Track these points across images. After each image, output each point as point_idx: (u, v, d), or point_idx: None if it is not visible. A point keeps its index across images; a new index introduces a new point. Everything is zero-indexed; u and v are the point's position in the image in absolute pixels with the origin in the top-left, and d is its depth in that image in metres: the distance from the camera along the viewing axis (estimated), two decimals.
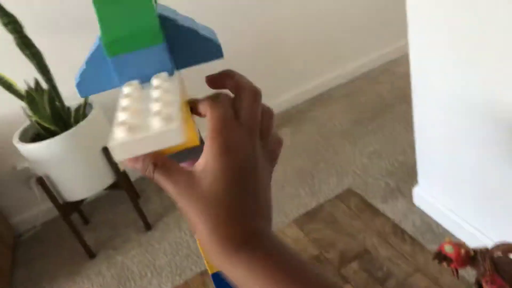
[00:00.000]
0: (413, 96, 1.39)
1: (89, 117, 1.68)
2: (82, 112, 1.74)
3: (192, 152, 0.34)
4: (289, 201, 1.82)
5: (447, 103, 1.25)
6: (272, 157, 0.35)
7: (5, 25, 1.51)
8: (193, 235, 0.30)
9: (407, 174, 1.76)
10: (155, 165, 0.31)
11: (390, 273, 0.70)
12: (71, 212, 1.83)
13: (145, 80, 0.31)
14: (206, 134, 0.31)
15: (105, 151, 1.71)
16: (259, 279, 0.29)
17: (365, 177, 1.83)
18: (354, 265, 0.73)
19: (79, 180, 1.73)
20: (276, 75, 2.37)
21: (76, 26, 1.89)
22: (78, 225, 1.93)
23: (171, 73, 0.31)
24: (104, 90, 0.32)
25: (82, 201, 1.86)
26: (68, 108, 1.74)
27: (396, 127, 2.08)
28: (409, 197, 1.64)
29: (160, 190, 2.15)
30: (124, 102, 0.30)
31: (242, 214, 0.31)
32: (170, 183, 0.31)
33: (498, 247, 0.55)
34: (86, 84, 0.32)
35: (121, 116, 0.29)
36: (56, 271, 1.85)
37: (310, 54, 2.46)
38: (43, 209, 2.08)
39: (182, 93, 0.34)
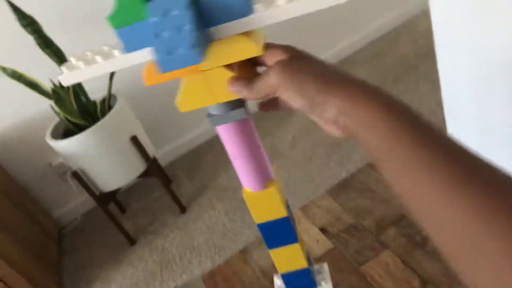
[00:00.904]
0: (437, 51, 1.35)
1: (115, 108, 1.71)
2: (107, 104, 1.77)
3: (240, 113, 0.41)
4: (318, 172, 1.82)
5: (473, 53, 1.20)
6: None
7: (25, 26, 1.54)
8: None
9: None
10: (245, 82, 0.39)
11: (428, 236, 0.70)
12: (108, 202, 1.90)
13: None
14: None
15: (134, 140, 1.75)
16: (387, 118, 0.33)
17: None
18: (392, 230, 0.73)
19: (112, 170, 1.77)
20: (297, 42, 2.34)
21: (92, 20, 1.91)
22: (116, 214, 2.00)
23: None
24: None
25: (117, 190, 1.92)
26: (94, 102, 1.77)
27: (422, 86, 2.03)
28: None
29: (190, 173, 2.18)
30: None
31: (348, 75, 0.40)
32: (262, 77, 0.38)
33: None
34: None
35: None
36: (100, 259, 1.93)
37: (327, 21, 2.41)
38: (81, 201, 2.16)
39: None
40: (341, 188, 0.85)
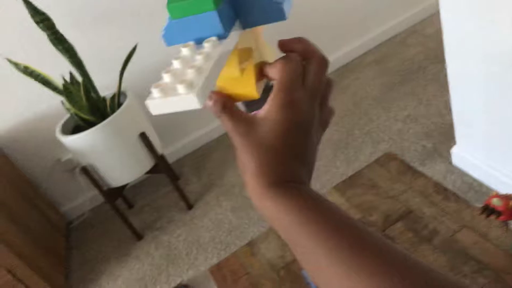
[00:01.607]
0: (446, 53, 1.35)
1: (124, 105, 1.74)
2: (117, 101, 1.79)
3: (262, 104, 0.38)
4: (324, 172, 1.83)
5: (483, 55, 1.21)
6: (324, 125, 0.39)
7: (38, 23, 1.56)
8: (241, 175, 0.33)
9: (444, 136, 1.73)
10: (224, 108, 0.35)
11: (436, 230, 0.71)
12: (116, 197, 1.92)
13: (200, 42, 0.35)
14: (274, 87, 0.35)
15: (143, 136, 1.77)
16: (290, 213, 0.31)
17: (401, 142, 1.81)
18: (399, 225, 0.74)
19: (120, 166, 1.80)
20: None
21: (104, 18, 1.93)
22: (123, 210, 2.02)
23: (222, 38, 0.34)
24: (177, 43, 0.36)
25: (125, 186, 1.94)
26: (104, 98, 1.79)
27: (429, 89, 2.04)
28: (447, 158, 1.62)
29: (197, 171, 2.20)
30: (174, 63, 0.34)
31: (289, 162, 0.34)
32: (232, 124, 0.34)
33: None
34: (167, 37, 0.36)
35: (164, 76, 0.34)
36: (107, 253, 1.95)
37: (336, 22, 2.42)
38: (89, 196, 2.18)
39: (249, 50, 0.38)
40: (347, 185, 0.86)
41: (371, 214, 0.79)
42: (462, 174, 1.54)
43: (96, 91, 1.77)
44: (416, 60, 2.29)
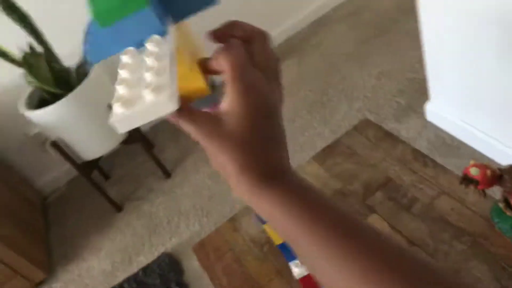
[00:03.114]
0: (420, 6, 1.33)
1: (91, 75, 1.66)
2: (82, 70, 1.70)
3: (211, 99, 0.35)
4: (302, 133, 1.83)
5: (458, 10, 1.19)
6: (281, 99, 0.36)
7: None
8: (220, 176, 0.31)
9: (418, 91, 1.74)
10: (179, 111, 0.31)
11: (415, 198, 0.71)
12: (91, 170, 1.87)
13: (141, 44, 0.31)
14: (225, 80, 0.32)
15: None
16: (285, 213, 0.30)
17: (376, 99, 1.81)
18: (379, 194, 0.74)
19: (92, 139, 1.74)
20: (272, 3, 2.27)
21: None
22: (100, 182, 1.99)
23: (163, 35, 0.31)
24: (111, 54, 0.32)
25: (99, 158, 1.89)
26: (68, 69, 1.70)
27: (403, 43, 2.02)
28: (421, 114, 1.64)
29: (173, 138, 2.17)
30: (121, 73, 0.31)
31: (268, 152, 0.32)
32: (195, 126, 0.32)
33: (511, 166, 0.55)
34: (93, 51, 0.32)
35: (119, 89, 0.30)
36: (87, 227, 1.94)
37: None
38: (63, 170, 2.13)
39: (186, 46, 0.35)
40: (327, 154, 0.85)
41: (351, 183, 0.79)
42: (436, 129, 1.56)
43: (58, 62, 1.67)
44: (390, 13, 2.25)
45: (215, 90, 0.38)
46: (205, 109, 0.40)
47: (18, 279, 1.68)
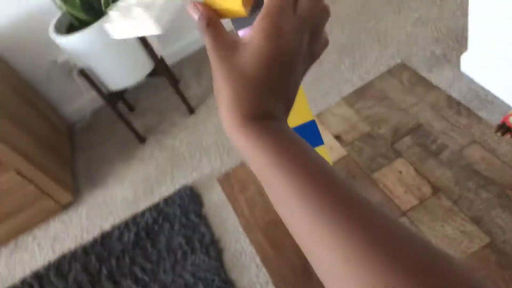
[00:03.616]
0: None
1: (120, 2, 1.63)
2: None
3: (248, 22, 0.35)
4: (329, 77, 1.79)
5: None
6: (314, 57, 0.35)
7: None
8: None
9: (455, 41, 1.66)
10: (209, 24, 0.32)
11: (444, 145, 0.70)
12: (117, 101, 1.90)
13: None
14: (262, 10, 0.31)
15: (141, 38, 1.69)
16: (264, 154, 0.30)
17: (409, 47, 1.74)
18: (407, 139, 0.73)
19: (119, 69, 1.75)
20: None
21: None
22: (125, 113, 2.02)
23: None
24: None
25: (125, 90, 1.91)
26: None
27: None
28: (456, 65, 1.57)
29: (198, 74, 2.16)
30: None
31: (267, 93, 0.32)
32: (213, 44, 0.32)
33: None
34: None
35: (121, 2, 0.29)
36: (112, 155, 1.99)
37: None
38: (89, 99, 2.16)
39: None
40: (358, 95, 0.84)
41: (380, 126, 0.78)
42: (470, 82, 1.51)
43: None
44: None
45: (254, 14, 0.37)
46: (241, 31, 0.39)
47: (47, 200, 1.77)
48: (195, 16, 0.33)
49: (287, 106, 0.34)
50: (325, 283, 0.27)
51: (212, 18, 0.33)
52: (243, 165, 0.84)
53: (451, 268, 0.23)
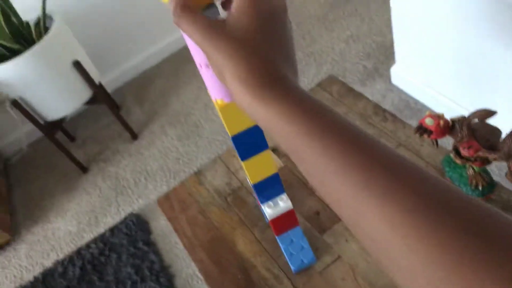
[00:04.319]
0: None
1: (52, 30, 1.59)
2: (43, 25, 1.63)
3: (213, 12, 0.35)
4: None
5: None
6: (285, 8, 0.34)
7: None
8: (219, 79, 0.32)
9: (385, 55, 1.77)
10: (184, 6, 0.30)
11: None
12: (55, 131, 1.83)
13: None
14: None
15: (76, 65, 1.65)
16: (292, 122, 0.27)
17: (343, 62, 1.83)
18: None
19: (55, 97, 1.69)
20: None
21: None
22: (65, 143, 1.94)
23: None
24: None
25: (63, 119, 1.84)
26: (27, 23, 1.62)
27: (372, 6, 2.03)
28: (387, 77, 1.67)
29: (139, 100, 2.13)
30: None
31: (274, 55, 0.30)
32: (198, 25, 0.30)
33: (475, 113, 0.58)
34: None
35: None
36: (53, 188, 1.90)
37: None
38: (25, 131, 2.06)
39: None
40: None
41: None
42: (400, 93, 1.60)
43: (17, 15, 1.59)
44: None
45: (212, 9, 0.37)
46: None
47: None
48: (171, 7, 0.31)
49: (294, 67, 0.31)
50: (373, 253, 0.25)
51: (187, 4, 0.30)
52: (183, 185, 0.84)
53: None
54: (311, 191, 0.72)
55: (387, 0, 1.43)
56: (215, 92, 0.44)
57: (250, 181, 0.55)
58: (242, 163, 0.52)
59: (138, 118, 2.04)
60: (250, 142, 0.49)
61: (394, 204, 0.23)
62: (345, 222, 0.27)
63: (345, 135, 0.26)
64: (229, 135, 0.48)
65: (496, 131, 0.58)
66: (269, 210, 0.58)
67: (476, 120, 0.58)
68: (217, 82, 0.40)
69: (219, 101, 0.45)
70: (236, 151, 0.51)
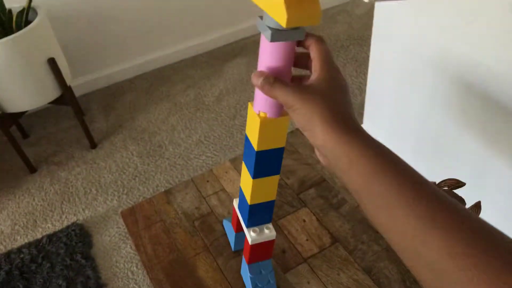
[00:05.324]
0: (373, 37, 1.43)
1: (34, 23, 1.55)
2: (25, 17, 1.59)
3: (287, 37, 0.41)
4: (241, 131, 1.86)
5: (405, 49, 1.30)
6: None
7: None
8: (303, 133, 0.36)
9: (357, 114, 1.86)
10: (274, 80, 0.40)
11: (344, 200, 0.77)
12: (10, 124, 1.74)
13: None
14: (315, 60, 0.41)
15: (51, 62, 1.61)
16: (369, 162, 0.34)
17: None
18: (312, 191, 0.79)
19: (21, 90, 1.62)
20: (233, 4, 2.30)
21: None
22: (17, 138, 1.85)
23: None
24: None
25: (22, 113, 1.76)
26: (10, 11, 1.58)
27: (347, 68, 2.15)
28: None
29: (105, 110, 2.08)
30: None
31: (350, 111, 0.38)
32: (289, 88, 0.39)
33: (445, 181, 0.62)
34: None
35: None
36: None
37: None
38: None
39: None
40: None
41: (288, 177, 0.83)
42: None
43: (1, 1, 1.55)
44: (341, 39, 2.38)
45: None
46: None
47: None
48: (260, 79, 0.40)
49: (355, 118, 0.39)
50: (431, 284, 0.29)
51: (273, 75, 0.41)
52: (150, 201, 0.82)
53: None
54: (279, 228, 0.73)
55: (362, 65, 1.52)
56: (262, 105, 0.47)
57: (248, 201, 0.56)
58: (251, 181, 0.53)
59: (101, 127, 1.99)
60: (269, 162, 0.51)
61: (457, 236, 0.27)
62: (402, 254, 0.31)
63: (408, 172, 0.33)
64: (255, 149, 0.49)
65: (461, 201, 0.63)
66: (254, 235, 0.59)
67: (446, 187, 0.63)
68: (268, 98, 0.43)
69: (262, 114, 0.47)
70: (247, 168, 0.53)
